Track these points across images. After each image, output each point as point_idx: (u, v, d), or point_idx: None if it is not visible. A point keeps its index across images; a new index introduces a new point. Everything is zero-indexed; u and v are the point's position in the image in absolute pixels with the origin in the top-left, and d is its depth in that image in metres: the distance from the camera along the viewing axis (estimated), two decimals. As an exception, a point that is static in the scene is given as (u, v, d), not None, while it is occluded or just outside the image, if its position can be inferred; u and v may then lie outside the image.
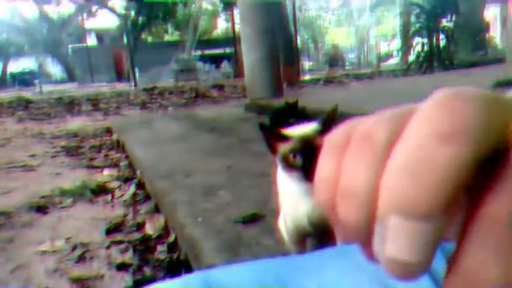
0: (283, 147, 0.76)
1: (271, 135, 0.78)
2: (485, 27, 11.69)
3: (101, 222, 1.78)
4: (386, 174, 0.14)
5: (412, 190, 0.13)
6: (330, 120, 0.79)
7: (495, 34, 16.41)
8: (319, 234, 0.92)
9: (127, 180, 2.38)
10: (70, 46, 25.28)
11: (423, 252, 0.14)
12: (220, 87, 9.19)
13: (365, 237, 0.15)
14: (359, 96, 3.69)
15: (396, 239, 0.14)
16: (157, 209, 1.79)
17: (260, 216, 1.31)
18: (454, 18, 7.99)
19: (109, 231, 1.65)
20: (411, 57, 8.68)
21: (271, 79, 4.23)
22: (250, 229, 1.24)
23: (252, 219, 1.30)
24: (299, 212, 0.86)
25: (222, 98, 7.28)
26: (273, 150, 0.80)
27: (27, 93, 12.93)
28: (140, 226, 1.67)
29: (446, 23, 8.01)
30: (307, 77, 11.13)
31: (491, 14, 16.33)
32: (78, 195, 2.15)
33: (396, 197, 0.14)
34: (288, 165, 0.76)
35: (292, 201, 0.87)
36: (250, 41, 4.08)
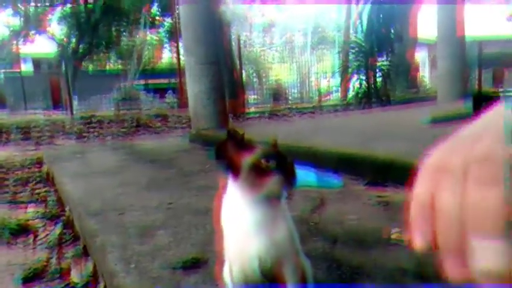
0: (251, 156, 0.72)
1: (236, 144, 0.74)
2: (416, 67, 12.60)
3: (19, 269, 1.55)
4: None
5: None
6: (273, 148, 0.77)
7: (425, 74, 17.74)
8: (268, 282, 0.82)
9: (54, 218, 2.14)
10: (2, 71, 23.82)
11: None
12: (163, 117, 8.96)
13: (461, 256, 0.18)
14: (302, 130, 3.70)
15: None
16: (85, 253, 1.59)
17: (203, 261, 1.18)
18: (389, 57, 8.50)
19: (27, 280, 1.43)
20: (351, 94, 9.07)
21: (216, 110, 4.16)
22: (191, 276, 1.10)
23: (193, 264, 1.17)
24: (249, 251, 0.76)
25: (165, 128, 7.08)
26: (235, 165, 0.74)
27: None
28: (64, 272, 1.47)
29: (382, 62, 8.50)
30: (252, 110, 11.23)
31: (421, 55, 17.70)
32: (-7, 237, 1.89)
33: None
34: (259, 173, 0.71)
35: (242, 239, 0.77)
36: (194, 72, 4.01)
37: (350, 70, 8.89)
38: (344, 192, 1.86)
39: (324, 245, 1.25)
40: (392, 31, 8.09)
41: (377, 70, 8.37)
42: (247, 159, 0.73)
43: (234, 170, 0.74)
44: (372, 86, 8.42)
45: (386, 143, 2.48)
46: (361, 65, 8.40)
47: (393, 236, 1.26)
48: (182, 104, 12.70)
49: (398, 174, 1.91)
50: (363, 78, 8.50)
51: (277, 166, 0.72)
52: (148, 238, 1.42)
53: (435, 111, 3.66)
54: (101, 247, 1.40)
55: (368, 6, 9.16)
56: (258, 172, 0.72)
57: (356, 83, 8.64)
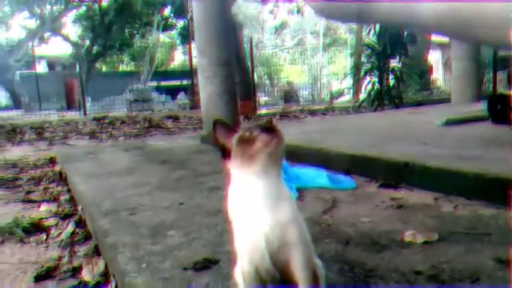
0: (238, 133, 0.78)
1: (224, 129, 0.80)
2: (430, 69, 12.46)
3: (32, 267, 1.56)
4: None
5: None
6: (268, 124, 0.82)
7: (438, 76, 17.54)
8: (279, 281, 0.81)
9: (66, 217, 2.15)
10: (17, 72, 24.22)
11: None
12: (175, 118, 9.00)
13: None
14: (314, 130, 3.68)
15: None
16: (97, 251, 1.60)
17: (214, 262, 1.17)
18: (402, 59, 8.41)
19: (39, 278, 1.44)
20: (363, 95, 9.00)
21: (228, 112, 4.15)
22: (202, 277, 1.10)
23: (205, 265, 1.16)
24: (256, 233, 0.77)
25: (177, 129, 7.11)
26: (226, 148, 0.79)
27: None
28: (76, 271, 1.47)
29: (395, 63, 8.41)
30: (263, 111, 11.23)
31: (434, 57, 17.51)
32: (7, 234, 1.91)
33: None
34: (246, 143, 0.76)
35: (247, 221, 0.79)
36: (207, 74, 4.01)
37: (362, 72, 8.81)
38: (357, 193, 1.84)
39: (336, 247, 1.23)
40: (405, 32, 8.01)
41: (390, 72, 8.29)
42: (235, 136, 0.78)
43: (226, 153, 0.79)
44: (385, 87, 8.34)
45: (400, 145, 2.45)
46: (374, 66, 8.33)
47: (407, 239, 1.24)
48: (194, 105, 12.76)
49: (412, 176, 1.88)
50: (376, 79, 8.42)
51: (261, 131, 0.77)
52: (160, 238, 1.42)
53: (450, 113, 3.61)
54: (113, 246, 1.40)
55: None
56: (245, 143, 0.76)
57: (368, 85, 8.56)
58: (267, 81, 25.82)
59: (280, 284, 0.80)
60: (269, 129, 0.77)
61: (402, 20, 0.58)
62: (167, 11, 26.72)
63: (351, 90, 13.11)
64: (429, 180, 1.77)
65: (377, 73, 8.36)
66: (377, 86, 8.36)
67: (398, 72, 8.24)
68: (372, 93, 8.39)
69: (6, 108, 21.72)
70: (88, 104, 13.28)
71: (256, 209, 0.77)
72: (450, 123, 3.20)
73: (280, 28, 32.15)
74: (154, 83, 24.25)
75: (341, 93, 17.98)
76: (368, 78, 8.56)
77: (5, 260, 1.64)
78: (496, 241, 1.18)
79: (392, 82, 8.35)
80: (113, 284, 1.30)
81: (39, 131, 7.55)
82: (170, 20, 27.41)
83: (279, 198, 0.79)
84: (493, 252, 1.10)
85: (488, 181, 1.54)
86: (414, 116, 4.46)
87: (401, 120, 4.23)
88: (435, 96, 10.02)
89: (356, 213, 1.54)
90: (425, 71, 10.86)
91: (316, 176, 2.03)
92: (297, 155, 2.52)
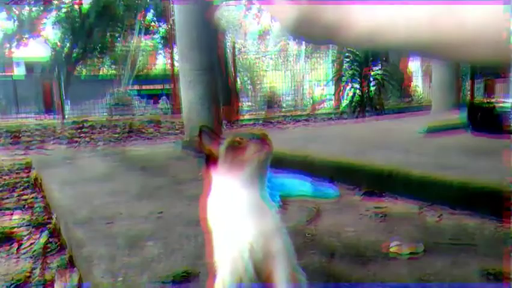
0: (226, 140, 0.77)
1: (210, 136, 0.78)
2: (410, 77, 12.66)
3: (0, 279, 1.48)
4: None
5: None
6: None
7: (418, 83, 17.87)
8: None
9: (39, 225, 2.06)
10: (-7, 75, 23.61)
11: None
12: (156, 123, 8.89)
13: None
14: (297, 138, 3.67)
15: None
16: (71, 263, 1.52)
17: (194, 275, 1.12)
18: (383, 67, 8.53)
19: (8, 292, 1.36)
20: (345, 102, 9.06)
21: (210, 117, 4.10)
22: (181, 291, 1.05)
23: (184, 278, 1.11)
24: (239, 241, 0.75)
25: (158, 135, 7.00)
26: (212, 153, 0.77)
27: None
28: (48, 285, 1.40)
29: (376, 71, 8.51)
30: (246, 117, 11.20)
31: (414, 65, 17.83)
32: (-24, 245, 1.81)
33: None
34: (236, 148, 0.74)
35: (231, 229, 0.76)
36: (188, 79, 3.96)
37: (344, 79, 8.89)
38: (340, 202, 1.81)
39: (321, 259, 1.20)
40: None
41: (371, 79, 8.39)
42: (222, 144, 0.77)
43: (212, 159, 0.77)
44: (366, 94, 8.43)
45: (383, 153, 2.45)
46: (355, 74, 8.41)
47: (392, 250, 1.22)
48: (176, 110, 12.64)
49: (395, 184, 1.87)
50: (357, 87, 8.50)
51: (252, 139, 0.76)
52: (137, 249, 1.36)
53: (431, 121, 3.64)
54: (88, 258, 1.34)
55: None
56: (235, 149, 0.75)
57: (349, 92, 8.64)
58: (250, 87, 25.86)
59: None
60: (261, 136, 0.76)
61: (378, 44, 0.57)
62: (149, 15, 26.53)
63: (333, 97, 13.22)
64: (413, 189, 1.76)
65: (359, 80, 8.45)
66: (358, 93, 8.44)
67: (380, 80, 8.34)
68: (353, 100, 8.47)
69: (-18, 111, 21.14)
70: (67, 108, 13.02)
71: (240, 218, 0.75)
72: (431, 131, 3.23)
73: (263, 34, 32.31)
74: (136, 88, 23.98)
75: (323, 100, 18.13)
76: (349, 85, 8.64)
77: (-28, 273, 1.55)
78: (482, 253, 1.16)
79: (373, 89, 8.45)
80: (87, 299, 1.23)
81: (15, 135, 7.33)
82: (152, 24, 27.23)
83: (263, 208, 0.78)
84: (480, 265, 1.08)
85: (473, 191, 1.54)
86: (395, 124, 4.50)
87: (383, 127, 4.26)
88: (415, 104, 10.18)
89: (340, 223, 1.52)
90: (405, 79, 11.03)
91: (300, 185, 2.00)
92: (281, 163, 2.48)
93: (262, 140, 0.76)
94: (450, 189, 1.63)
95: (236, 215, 0.75)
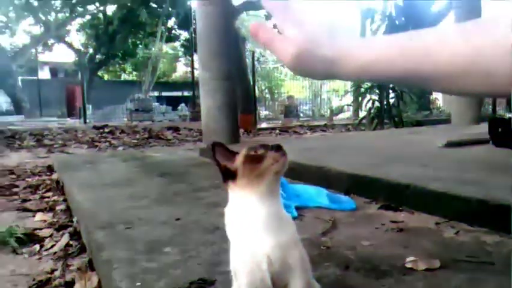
0: (241, 153, 0.78)
1: (224, 152, 0.80)
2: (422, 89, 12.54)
3: (24, 279, 1.53)
4: None
5: None
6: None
7: (438, 96, 17.63)
8: None
9: (61, 227, 2.12)
10: (20, 78, 24.28)
11: None
12: (175, 129, 9.00)
13: None
14: (314, 148, 3.67)
15: None
16: (91, 266, 1.57)
17: (210, 282, 1.15)
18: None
19: (30, 292, 1.41)
20: (363, 113, 9.01)
21: (228, 125, 4.15)
22: (197, 298, 1.07)
23: (200, 285, 1.13)
24: (257, 253, 0.76)
25: (177, 141, 7.09)
26: (229, 167, 0.79)
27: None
28: (69, 286, 1.44)
29: (395, 82, 8.46)
30: (263, 125, 11.23)
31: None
32: (0, 244, 1.88)
33: None
34: (253, 161, 0.76)
35: (250, 238, 0.77)
36: (208, 87, 4.02)
37: (362, 89, 8.85)
38: (357, 215, 1.81)
39: (336, 271, 1.20)
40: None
41: (390, 91, 8.32)
42: (238, 158, 0.78)
43: (228, 173, 0.78)
44: (385, 106, 8.36)
45: (401, 166, 2.43)
46: (374, 84, 8.36)
47: (408, 265, 1.22)
48: (195, 116, 12.77)
49: (413, 198, 1.86)
50: (376, 98, 8.45)
51: (270, 150, 0.77)
52: (155, 255, 1.39)
53: (451, 135, 3.60)
54: (107, 262, 1.37)
55: (383, 26, 9.19)
56: (252, 161, 0.76)
57: (368, 103, 8.58)
58: (268, 96, 25.94)
59: None
60: (276, 148, 0.78)
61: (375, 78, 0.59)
62: (171, 23, 26.94)
63: (351, 108, 13.14)
64: (431, 204, 1.75)
65: (378, 91, 8.40)
66: (377, 104, 8.38)
67: (398, 91, 8.27)
68: (372, 111, 8.41)
69: (7, 113, 21.74)
70: (88, 112, 13.30)
71: (257, 230, 0.77)
72: (451, 145, 3.19)
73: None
74: (156, 93, 24.35)
75: (340, 110, 18.03)
76: (368, 96, 8.59)
77: (-4, 271, 1.61)
78: (500, 271, 1.15)
79: (391, 101, 8.38)
80: (106, 302, 1.26)
81: (38, 137, 7.53)
82: (174, 31, 27.64)
83: (282, 219, 0.79)
84: (497, 283, 1.07)
85: (491, 207, 1.52)
86: (414, 136, 4.45)
87: (401, 140, 4.22)
88: (434, 117, 10.05)
89: (356, 235, 1.52)
90: (425, 91, 10.92)
91: (316, 195, 2.01)
92: (297, 173, 2.50)
93: (279, 150, 0.78)
94: (468, 204, 1.62)
95: (254, 227, 0.77)
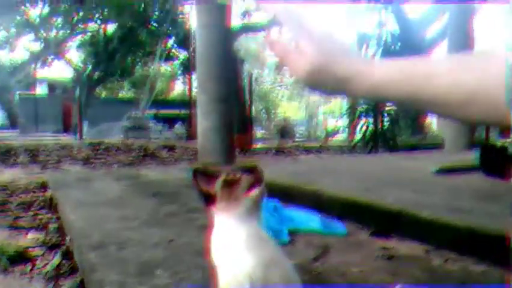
0: (220, 178, 0.81)
1: (205, 176, 0.83)
2: (424, 113, 12.66)
3: (13, 300, 1.53)
4: None
5: None
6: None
7: (432, 120, 17.83)
8: None
9: (53, 246, 2.12)
10: (17, 93, 24.35)
11: None
12: (171, 147, 9.02)
13: None
14: (308, 170, 3.70)
15: None
16: (82, 286, 1.57)
17: (200, 306, 1.16)
18: (397, 103, 8.57)
19: (20, 312, 1.41)
20: (358, 136, 9.09)
21: (224, 145, 4.19)
22: (187, 322, 1.08)
23: (190, 309, 1.14)
24: (240, 274, 0.78)
25: (172, 159, 7.10)
26: (208, 192, 0.82)
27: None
28: (58, 307, 1.44)
29: (390, 106, 8.56)
30: (259, 145, 11.28)
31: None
32: (-9, 263, 1.87)
33: None
34: (230, 185, 0.79)
35: (233, 259, 0.80)
36: (205, 108, 4.08)
37: (357, 112, 8.96)
38: (348, 240, 1.83)
39: (325, 298, 1.22)
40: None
41: (385, 114, 8.43)
42: (217, 183, 0.81)
43: (210, 198, 0.82)
44: (380, 129, 8.46)
45: (392, 191, 2.47)
46: (369, 108, 8.47)
47: (396, 293, 1.23)
48: (191, 135, 12.81)
49: (403, 225, 1.89)
50: (371, 121, 8.55)
51: (245, 172, 0.81)
52: (147, 277, 1.40)
53: (443, 161, 3.65)
54: (99, 283, 1.38)
55: (378, 52, 9.37)
56: (229, 185, 0.80)
57: (363, 126, 8.68)
58: (264, 116, 26.12)
59: None
60: (251, 170, 0.81)
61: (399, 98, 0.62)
62: (170, 42, 27.26)
63: (346, 130, 13.25)
64: (421, 231, 1.78)
65: (372, 114, 8.50)
66: (371, 127, 8.48)
67: (393, 115, 8.37)
68: (366, 134, 8.49)
69: (2, 127, 21.70)
70: (84, 129, 13.30)
71: (239, 251, 0.79)
72: (443, 171, 3.23)
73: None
74: (153, 111, 24.41)
75: (336, 132, 18.15)
76: (363, 119, 8.69)
77: (-14, 291, 1.61)
78: (486, 300, 1.17)
79: (386, 125, 8.48)
80: (96, 324, 1.26)
81: (33, 153, 7.52)
82: (172, 50, 27.94)
83: (261, 240, 0.82)
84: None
85: (480, 237, 1.55)
86: (407, 162, 4.50)
87: (394, 165, 4.27)
88: (428, 140, 10.13)
89: (346, 261, 1.54)
90: (419, 115, 11.05)
91: (309, 220, 2.03)
92: (290, 196, 2.52)
93: (255, 173, 0.80)
94: (457, 233, 1.65)
95: (235, 248, 0.79)
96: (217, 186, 0.81)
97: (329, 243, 1.77)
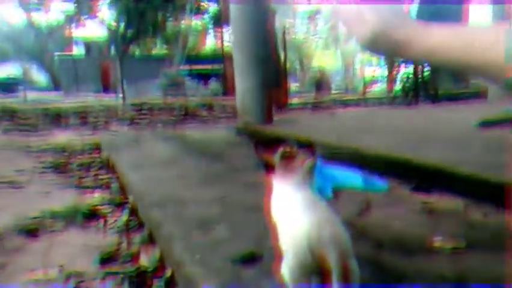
0: (278, 151, 0.95)
1: (265, 147, 0.97)
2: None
3: (94, 251, 1.77)
4: None
5: None
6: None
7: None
8: (321, 272, 0.94)
9: (119, 205, 2.36)
10: (56, 54, 25.04)
11: None
12: (209, 106, 9.23)
13: None
14: (347, 128, 3.76)
15: None
16: (151, 240, 1.79)
17: (258, 256, 1.32)
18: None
19: (103, 261, 1.64)
20: (397, 87, 8.90)
21: (261, 105, 4.29)
22: (250, 270, 1.25)
23: (251, 258, 1.32)
24: (298, 232, 0.91)
25: (212, 118, 7.31)
26: (269, 162, 0.96)
27: (11, 101, 12.73)
28: (134, 257, 1.67)
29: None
30: (295, 100, 11.27)
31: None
32: (69, 219, 2.13)
33: None
34: (288, 158, 0.93)
35: (291, 220, 0.93)
36: (243, 69, 4.15)
37: (397, 62, 8.71)
38: (390, 196, 1.94)
39: (369, 249, 1.36)
40: (443, 21, 7.83)
41: (426, 63, 8.14)
42: (275, 155, 0.94)
43: (270, 167, 0.96)
44: (420, 79, 8.22)
45: (434, 147, 2.52)
46: (409, 57, 8.20)
47: (436, 244, 1.35)
48: (226, 91, 12.93)
49: (444, 181, 1.97)
50: (411, 70, 8.30)
51: (300, 148, 0.93)
52: (208, 231, 1.58)
53: (486, 112, 3.60)
54: (167, 237, 1.58)
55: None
56: (286, 159, 0.93)
57: (403, 76, 8.45)
58: (298, 68, 25.66)
59: (323, 276, 0.94)
60: (306, 146, 0.93)
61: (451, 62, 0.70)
62: (200, -5, 26.79)
63: (385, 80, 12.91)
64: (461, 186, 1.86)
65: (413, 63, 8.24)
66: (411, 77, 8.25)
67: (434, 64, 8.08)
68: (406, 85, 8.29)
69: (47, 89, 22.60)
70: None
71: (296, 213, 0.92)
72: (485, 124, 3.21)
73: (313, 13, 31.66)
74: (186, 67, 24.57)
75: (374, 82, 17.68)
76: (403, 68, 8.46)
77: (71, 244, 1.86)
78: (522, 251, 1.27)
79: (427, 73, 8.22)
80: (169, 271, 1.47)
81: (82, 116, 7.94)
82: (202, 4, 27.50)
83: (315, 203, 0.94)
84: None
85: (518, 192, 1.62)
86: (449, 114, 4.45)
87: (435, 118, 4.24)
88: (472, 89, 9.77)
89: (388, 216, 1.66)
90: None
91: (351, 177, 2.14)
92: (331, 153, 2.63)
93: (309, 150, 0.91)
94: (497, 188, 1.71)
95: (292, 210, 0.92)
96: (276, 158, 0.94)
97: (371, 198, 1.89)
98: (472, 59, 0.66)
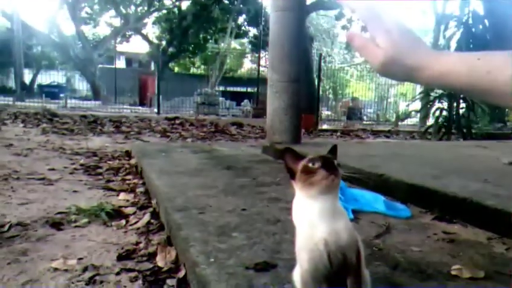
0: (303, 162, 0.96)
1: (292, 156, 0.98)
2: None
3: (114, 247, 1.82)
4: None
5: None
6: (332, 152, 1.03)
7: (516, 108, 16.47)
8: (333, 280, 0.95)
9: (142, 207, 2.43)
10: (99, 66, 26.16)
11: None
12: (239, 125, 9.35)
13: None
14: (376, 154, 3.73)
15: None
16: (169, 242, 1.83)
17: (272, 266, 1.34)
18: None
19: (121, 257, 1.69)
20: (430, 121, 8.74)
21: (291, 126, 4.33)
22: (262, 277, 1.26)
23: (264, 267, 1.33)
24: (316, 236, 0.92)
25: (240, 136, 7.40)
26: (293, 171, 0.97)
27: (52, 105, 13.33)
28: (151, 256, 1.71)
29: (467, 92, 8.10)
30: (325, 126, 11.26)
31: None
32: (93, 216, 2.21)
33: None
34: (308, 173, 0.93)
35: (309, 225, 0.94)
36: (276, 89, 4.21)
37: (432, 96, 8.58)
38: (411, 222, 1.92)
39: (384, 270, 1.34)
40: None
41: (461, 100, 8.00)
42: (300, 164, 0.96)
43: (292, 174, 0.98)
44: (454, 115, 8.06)
45: (460, 179, 2.47)
46: (444, 93, 8.09)
47: (453, 272, 1.32)
48: (257, 113, 13.07)
49: (467, 212, 1.92)
50: (445, 106, 8.16)
51: (322, 166, 0.92)
52: (225, 238, 1.61)
53: (520, 152, 3.50)
54: (185, 239, 1.61)
55: (458, 33, 8.82)
56: (307, 172, 0.93)
57: (436, 111, 8.31)
58: (331, 96, 25.68)
59: (335, 284, 0.94)
60: (329, 164, 0.93)
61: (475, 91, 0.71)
62: (241, 19, 27.55)
63: (419, 114, 12.71)
64: (485, 219, 1.81)
65: (447, 99, 8.11)
66: (445, 113, 8.11)
67: (469, 101, 7.93)
68: (440, 120, 8.15)
69: (87, 98, 23.52)
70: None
71: (315, 220, 0.93)
72: (518, 162, 3.12)
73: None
74: (221, 88, 25.09)
75: (407, 116, 17.41)
76: (437, 104, 8.33)
77: (92, 239, 1.93)
78: (542, 287, 1.23)
79: (462, 111, 8.06)
80: (183, 272, 1.50)
81: (116, 124, 8.21)
82: (243, 27, 28.24)
83: (334, 212, 0.95)
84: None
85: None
86: (480, 150, 4.34)
87: (466, 153, 4.14)
88: (509, 130, 9.47)
89: (407, 241, 1.64)
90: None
91: (373, 200, 2.13)
92: (356, 179, 2.62)
93: (331, 167, 0.93)
94: (523, 224, 1.66)
95: (311, 217, 0.93)
96: (298, 168, 0.96)
97: (392, 223, 1.87)
98: (480, 83, 0.67)
